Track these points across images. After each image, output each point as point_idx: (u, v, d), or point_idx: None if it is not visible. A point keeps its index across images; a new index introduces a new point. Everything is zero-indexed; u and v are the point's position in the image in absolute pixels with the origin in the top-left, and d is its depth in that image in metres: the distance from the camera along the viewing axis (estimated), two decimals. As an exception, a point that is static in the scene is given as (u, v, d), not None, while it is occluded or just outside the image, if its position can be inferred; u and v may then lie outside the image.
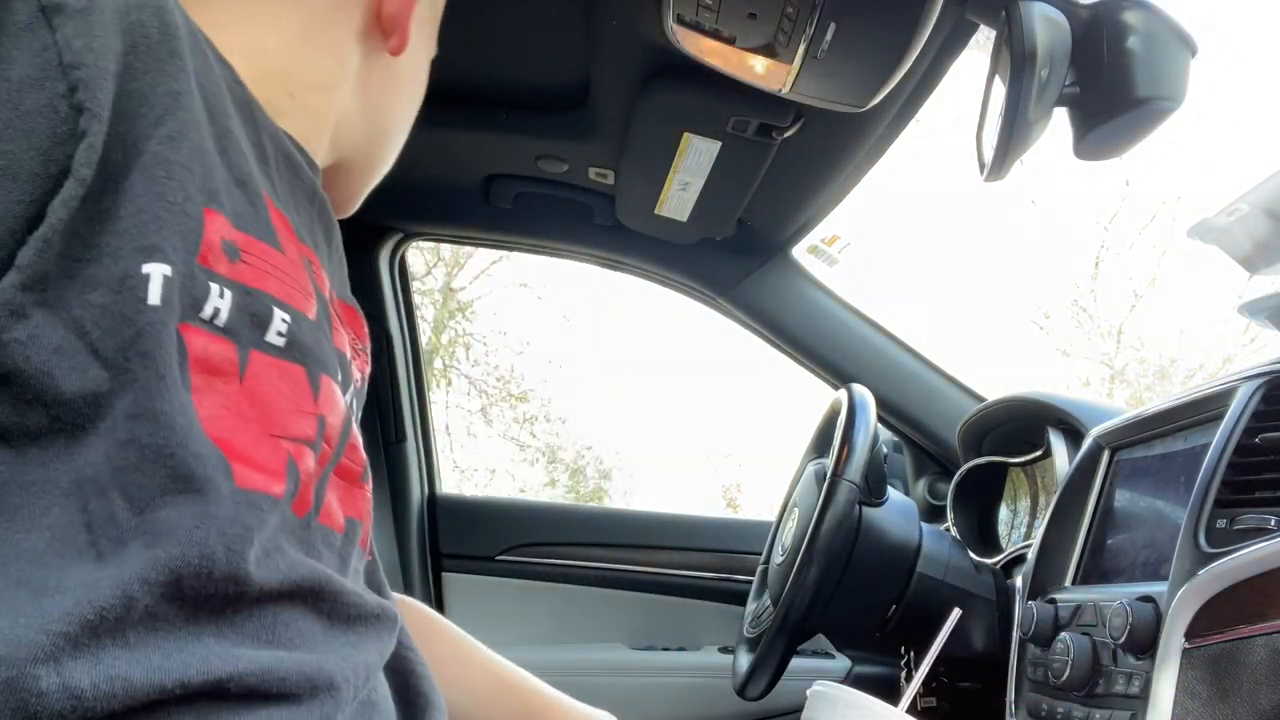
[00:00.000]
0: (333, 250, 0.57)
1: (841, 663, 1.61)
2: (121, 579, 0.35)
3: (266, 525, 0.41)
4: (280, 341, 0.43)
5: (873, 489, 1.12)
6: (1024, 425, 1.30)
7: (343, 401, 0.49)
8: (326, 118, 0.56)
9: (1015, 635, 0.96)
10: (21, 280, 0.35)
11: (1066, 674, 0.80)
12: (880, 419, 1.15)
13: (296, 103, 0.54)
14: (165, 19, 0.40)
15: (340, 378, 0.49)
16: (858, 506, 1.10)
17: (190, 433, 0.38)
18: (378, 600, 0.49)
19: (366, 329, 0.60)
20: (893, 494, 1.17)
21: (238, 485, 0.40)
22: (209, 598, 0.38)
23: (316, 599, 0.44)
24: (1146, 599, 0.74)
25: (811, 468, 1.23)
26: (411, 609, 0.73)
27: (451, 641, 0.73)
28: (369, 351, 0.61)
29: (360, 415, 0.58)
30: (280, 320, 0.43)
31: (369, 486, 0.54)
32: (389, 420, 1.66)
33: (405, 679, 0.56)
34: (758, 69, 0.90)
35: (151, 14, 0.39)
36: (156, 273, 0.37)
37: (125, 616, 0.35)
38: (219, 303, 0.40)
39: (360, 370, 0.58)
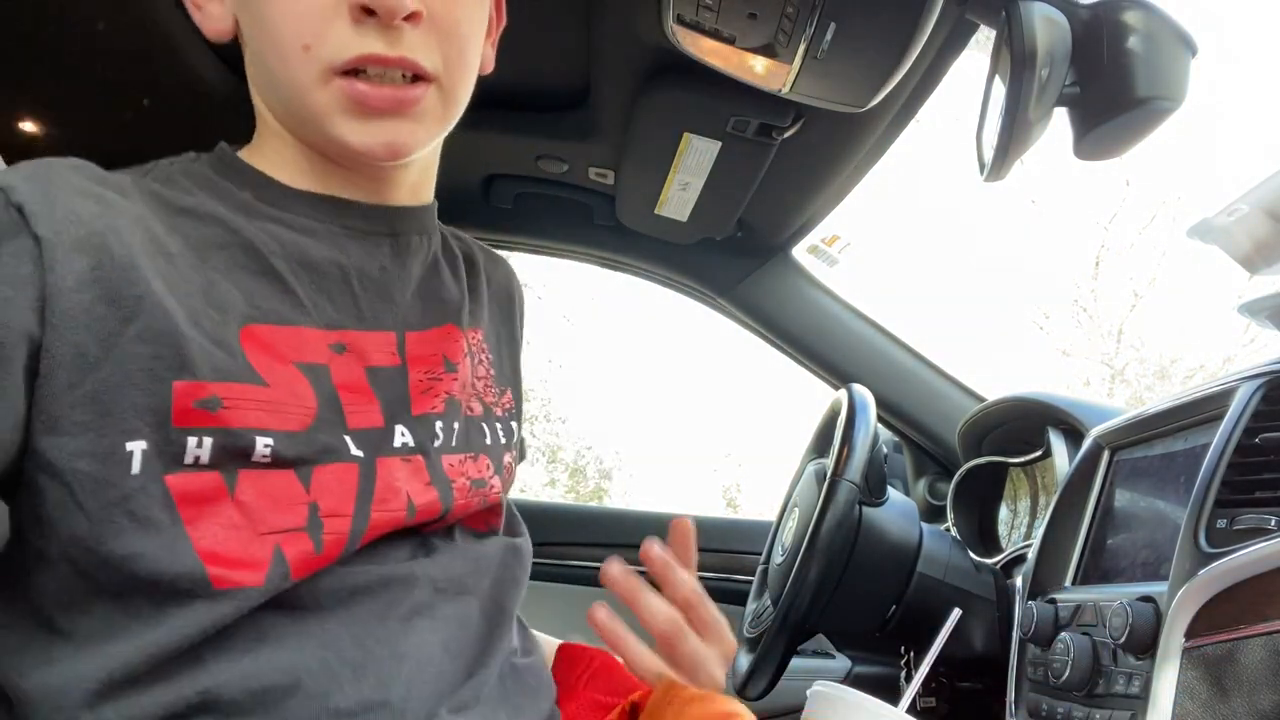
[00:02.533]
0: (476, 283, 0.69)
1: (841, 663, 1.61)
2: (101, 661, 0.47)
3: (245, 610, 0.48)
4: (266, 458, 0.50)
5: (873, 489, 1.12)
6: (1024, 425, 1.30)
7: (358, 472, 0.54)
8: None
9: (1015, 635, 0.96)
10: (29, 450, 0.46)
11: (1066, 674, 0.80)
12: (880, 419, 1.15)
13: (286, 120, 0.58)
14: (122, 237, 0.48)
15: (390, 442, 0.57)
16: (858, 506, 1.10)
17: (174, 561, 0.47)
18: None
19: (462, 345, 0.64)
20: (893, 494, 1.17)
21: (215, 588, 0.48)
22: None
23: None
24: (1146, 599, 0.74)
25: (811, 468, 1.22)
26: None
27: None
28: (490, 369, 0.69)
29: (515, 438, 0.70)
30: (263, 446, 0.50)
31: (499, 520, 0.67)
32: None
33: None
34: (758, 69, 0.90)
35: (114, 237, 0.48)
36: (137, 449, 0.47)
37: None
38: (198, 451, 0.48)
39: (485, 400, 0.67)
